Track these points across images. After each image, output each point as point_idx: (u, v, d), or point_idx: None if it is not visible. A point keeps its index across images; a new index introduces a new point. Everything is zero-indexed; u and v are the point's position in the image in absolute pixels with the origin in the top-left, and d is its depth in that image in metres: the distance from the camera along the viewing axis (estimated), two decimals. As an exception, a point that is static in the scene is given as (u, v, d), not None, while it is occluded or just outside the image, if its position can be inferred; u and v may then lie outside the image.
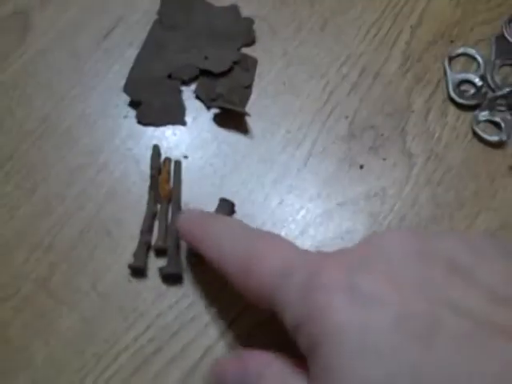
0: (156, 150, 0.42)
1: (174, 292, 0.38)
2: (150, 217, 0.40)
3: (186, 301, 0.38)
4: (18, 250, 0.39)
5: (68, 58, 0.46)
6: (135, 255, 0.39)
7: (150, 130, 0.43)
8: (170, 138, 0.43)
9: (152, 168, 0.41)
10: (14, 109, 0.44)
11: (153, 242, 0.39)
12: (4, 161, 0.42)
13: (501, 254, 0.27)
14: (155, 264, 0.39)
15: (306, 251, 0.30)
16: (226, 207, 0.40)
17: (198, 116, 0.44)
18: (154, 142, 0.43)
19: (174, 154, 0.42)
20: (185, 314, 0.38)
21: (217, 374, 0.32)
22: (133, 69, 0.45)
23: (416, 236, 0.27)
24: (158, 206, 0.40)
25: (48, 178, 0.41)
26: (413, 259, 0.26)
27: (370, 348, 0.23)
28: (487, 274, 0.25)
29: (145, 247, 0.39)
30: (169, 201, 0.41)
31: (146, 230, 0.39)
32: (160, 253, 0.39)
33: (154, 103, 0.43)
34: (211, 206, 0.40)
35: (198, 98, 0.44)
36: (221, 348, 0.37)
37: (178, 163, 0.42)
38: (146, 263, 0.39)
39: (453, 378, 0.22)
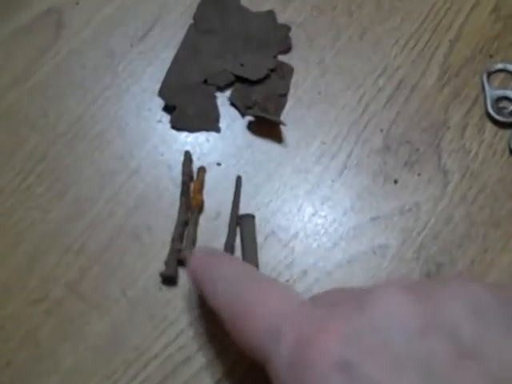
0: (188, 155, 0.42)
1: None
2: (182, 224, 0.40)
3: (217, 311, 0.38)
4: (49, 253, 0.39)
5: (102, 58, 0.45)
6: (166, 263, 0.38)
7: (184, 135, 0.43)
8: (204, 145, 0.43)
9: (184, 174, 0.41)
10: (46, 109, 0.43)
11: (183, 250, 0.39)
12: (36, 162, 0.42)
13: (506, 324, 0.24)
14: (184, 271, 0.39)
15: (299, 307, 0.28)
16: (250, 222, 0.40)
17: (232, 123, 0.43)
18: (187, 147, 0.42)
19: (207, 161, 0.42)
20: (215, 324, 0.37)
21: None
22: (168, 73, 0.44)
23: (415, 302, 0.24)
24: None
25: (79, 182, 0.41)
26: (413, 337, 0.23)
27: None
28: (493, 355, 0.23)
29: (176, 255, 0.39)
30: (200, 211, 0.40)
31: (177, 237, 0.39)
32: (186, 264, 0.39)
33: (188, 109, 0.43)
34: (243, 215, 0.40)
35: (232, 104, 0.44)
36: (250, 359, 0.36)
37: (239, 179, 0.41)
38: (177, 271, 0.38)
39: None
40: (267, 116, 0.42)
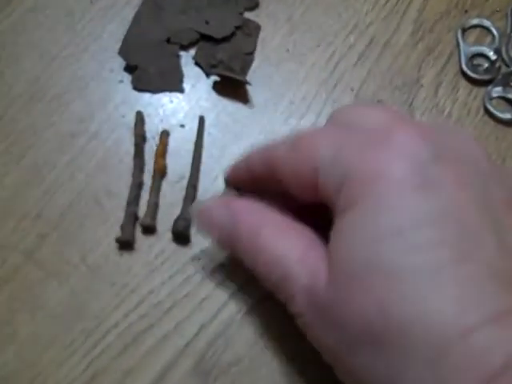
0: (139, 116, 0.40)
1: (168, 268, 0.36)
2: (137, 187, 0.38)
3: (180, 277, 0.36)
4: (5, 220, 0.37)
5: (60, 17, 0.43)
6: (122, 228, 0.37)
7: (146, 96, 0.41)
8: (167, 106, 0.41)
9: (136, 135, 0.39)
10: (2, 70, 0.41)
11: (140, 213, 0.38)
12: (-9, 125, 0.40)
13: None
14: (146, 238, 0.37)
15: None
16: None
17: (197, 83, 0.42)
18: (150, 109, 0.40)
19: (171, 123, 0.40)
20: (178, 291, 0.36)
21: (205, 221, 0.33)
22: (129, 31, 0.42)
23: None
24: (145, 176, 0.39)
25: (37, 145, 0.39)
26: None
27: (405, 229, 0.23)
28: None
29: (132, 219, 0.37)
30: (162, 176, 0.39)
31: (132, 201, 0.38)
32: (147, 230, 0.37)
33: (150, 68, 0.41)
34: (208, 179, 0.39)
35: (197, 64, 0.42)
36: (216, 326, 0.35)
37: (201, 119, 0.40)
38: (133, 236, 0.37)
39: None
40: (232, 75, 0.40)
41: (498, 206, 0.25)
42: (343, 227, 0.25)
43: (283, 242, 0.29)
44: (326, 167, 0.26)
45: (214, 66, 0.41)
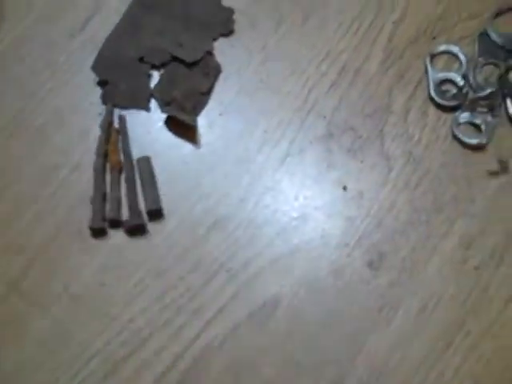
0: (109, 109, 0.42)
1: (147, 296, 0.38)
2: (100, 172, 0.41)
3: (158, 305, 0.38)
4: (-12, 252, 0.39)
5: (41, 51, 0.44)
6: (92, 218, 0.39)
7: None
8: (145, 137, 0.42)
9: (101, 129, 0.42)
10: (-16, 105, 0.43)
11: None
12: (-25, 159, 0.41)
13: None
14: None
15: None
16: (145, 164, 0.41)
17: (172, 113, 0.43)
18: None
19: (148, 152, 0.41)
20: (157, 319, 0.37)
21: None
22: (104, 46, 0.44)
23: None
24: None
25: (20, 178, 0.41)
26: None
27: None
28: None
29: (100, 204, 0.40)
30: (119, 171, 0.40)
31: (99, 185, 0.40)
32: (114, 224, 0.39)
33: (120, 85, 0.43)
34: (184, 207, 0.40)
35: (153, 97, 0.43)
36: (194, 352, 0.37)
37: (122, 118, 0.42)
38: (103, 223, 0.39)
39: None
40: (181, 117, 0.41)
41: None
42: None
43: None
44: None
45: (167, 104, 0.42)
